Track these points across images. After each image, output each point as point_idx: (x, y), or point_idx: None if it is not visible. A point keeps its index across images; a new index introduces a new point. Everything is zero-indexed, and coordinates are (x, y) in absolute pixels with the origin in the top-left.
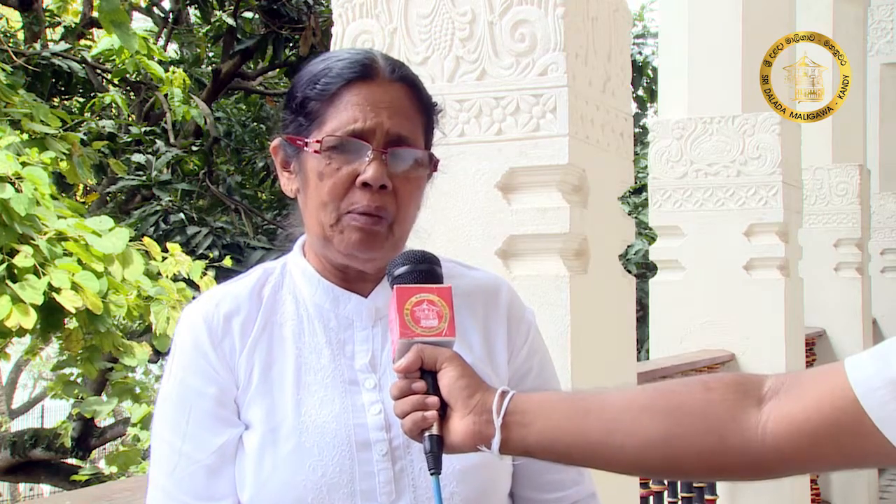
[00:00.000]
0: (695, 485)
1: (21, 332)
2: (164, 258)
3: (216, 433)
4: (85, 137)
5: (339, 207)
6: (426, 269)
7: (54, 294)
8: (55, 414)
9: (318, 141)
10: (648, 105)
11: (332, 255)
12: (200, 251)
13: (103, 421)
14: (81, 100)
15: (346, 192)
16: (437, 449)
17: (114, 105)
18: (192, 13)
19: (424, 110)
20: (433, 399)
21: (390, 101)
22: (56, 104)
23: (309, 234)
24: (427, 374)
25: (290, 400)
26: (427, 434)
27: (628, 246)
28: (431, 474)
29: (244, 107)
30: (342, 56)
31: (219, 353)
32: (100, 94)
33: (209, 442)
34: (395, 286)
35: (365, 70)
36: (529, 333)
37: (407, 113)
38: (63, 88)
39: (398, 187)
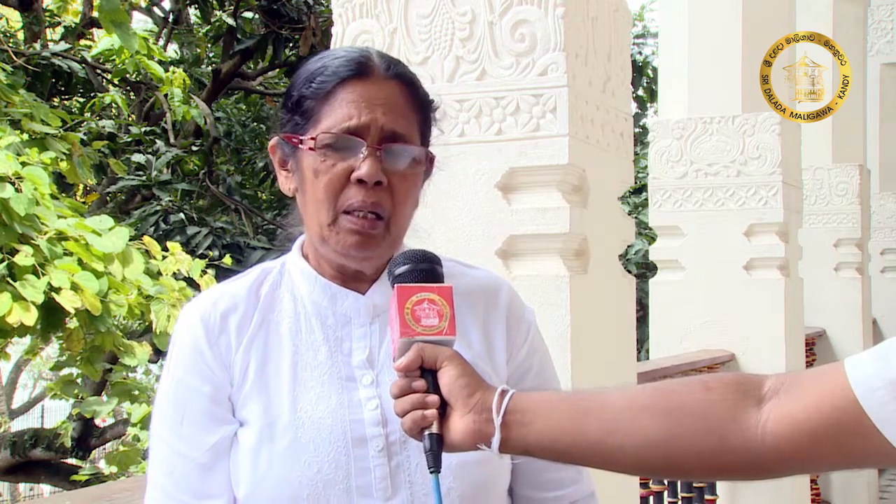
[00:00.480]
0: (695, 485)
1: (22, 330)
2: (164, 257)
3: (210, 431)
4: (85, 137)
5: (335, 205)
6: (427, 269)
7: (54, 294)
8: (55, 414)
9: (312, 138)
10: (648, 105)
11: (329, 253)
12: (200, 251)
13: (104, 421)
14: (81, 100)
15: (342, 188)
16: (437, 447)
17: (114, 105)
18: (192, 13)
19: (420, 107)
20: (433, 398)
21: (385, 98)
22: (56, 104)
23: (307, 233)
24: (427, 372)
25: (287, 396)
26: (427, 433)
27: (628, 246)
28: (431, 472)
29: (244, 107)
30: (338, 54)
31: (215, 352)
32: (100, 94)
33: (203, 440)
34: (395, 285)
35: (360, 67)
36: (529, 332)
37: (402, 110)
38: (63, 88)
39: (394, 184)
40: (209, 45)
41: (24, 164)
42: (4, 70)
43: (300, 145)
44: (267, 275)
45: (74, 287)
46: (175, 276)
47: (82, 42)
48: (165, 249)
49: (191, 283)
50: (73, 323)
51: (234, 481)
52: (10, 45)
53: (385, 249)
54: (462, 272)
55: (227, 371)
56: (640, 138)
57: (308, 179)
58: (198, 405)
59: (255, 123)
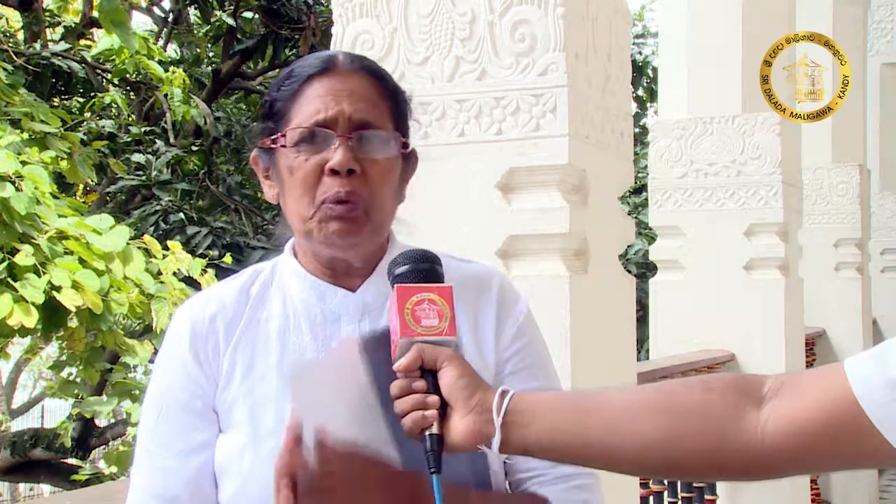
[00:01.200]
0: (695, 485)
1: (23, 331)
2: (165, 256)
3: (184, 436)
4: (85, 137)
5: (313, 198)
6: (427, 269)
7: (55, 293)
8: (55, 414)
9: (283, 135)
10: (648, 105)
11: (315, 247)
12: (200, 251)
13: (104, 421)
14: (81, 100)
15: (318, 181)
16: (438, 448)
17: (114, 105)
18: (192, 13)
19: (390, 96)
20: (433, 398)
21: (351, 90)
22: (56, 104)
23: (294, 232)
24: (427, 373)
25: (272, 399)
26: (427, 433)
27: (628, 246)
28: (431, 473)
29: (244, 107)
30: (306, 58)
31: (201, 357)
32: (100, 94)
33: (176, 444)
34: (395, 285)
35: (324, 64)
36: (520, 317)
37: (370, 99)
38: (63, 88)
39: (369, 171)
40: (209, 45)
41: (24, 163)
42: (5, 70)
43: (273, 145)
44: (258, 274)
45: (75, 286)
46: (175, 275)
47: (82, 42)
48: (166, 249)
49: (191, 282)
50: (74, 322)
51: (218, 484)
52: (10, 45)
53: (368, 236)
54: (455, 266)
55: (214, 377)
56: (640, 138)
57: (286, 179)
58: (174, 409)
59: (255, 123)
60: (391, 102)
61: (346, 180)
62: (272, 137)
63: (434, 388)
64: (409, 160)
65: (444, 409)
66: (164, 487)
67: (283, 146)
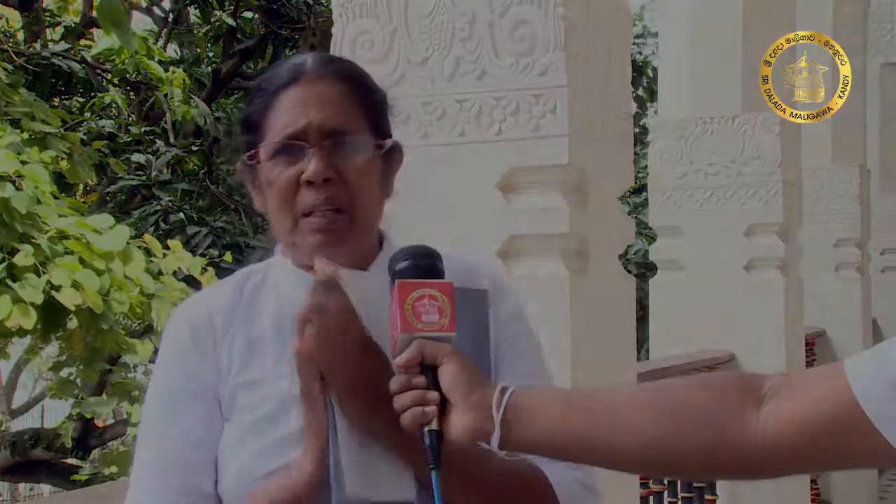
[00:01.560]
0: (695, 485)
1: (22, 331)
2: (165, 255)
3: (184, 435)
4: (85, 137)
5: (293, 211)
6: (428, 264)
7: (54, 293)
8: (55, 414)
9: (256, 151)
10: (648, 105)
11: (301, 258)
12: (201, 251)
13: (107, 420)
14: (81, 100)
15: (295, 192)
16: (437, 444)
17: (114, 105)
18: (192, 13)
19: (360, 97)
20: (433, 394)
21: (318, 97)
22: (56, 104)
23: (279, 242)
24: (427, 369)
25: (271, 392)
26: (427, 429)
27: (628, 246)
28: (431, 469)
29: (244, 107)
30: (276, 68)
31: (201, 356)
32: (100, 94)
33: (176, 443)
34: (396, 280)
35: (291, 74)
36: (515, 308)
37: (339, 104)
38: (63, 88)
39: (347, 176)
40: (209, 45)
41: (24, 163)
42: (5, 70)
43: (250, 161)
44: (252, 274)
45: (75, 285)
46: (175, 274)
47: (82, 42)
48: (166, 248)
49: (191, 281)
50: (74, 322)
51: (218, 474)
52: (10, 45)
53: (356, 242)
54: (454, 266)
55: (213, 375)
56: (640, 138)
57: (266, 191)
58: (175, 412)
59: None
60: (363, 103)
61: (322, 188)
62: (248, 153)
63: (434, 384)
64: (390, 155)
65: (443, 405)
66: (163, 486)
67: (259, 161)
